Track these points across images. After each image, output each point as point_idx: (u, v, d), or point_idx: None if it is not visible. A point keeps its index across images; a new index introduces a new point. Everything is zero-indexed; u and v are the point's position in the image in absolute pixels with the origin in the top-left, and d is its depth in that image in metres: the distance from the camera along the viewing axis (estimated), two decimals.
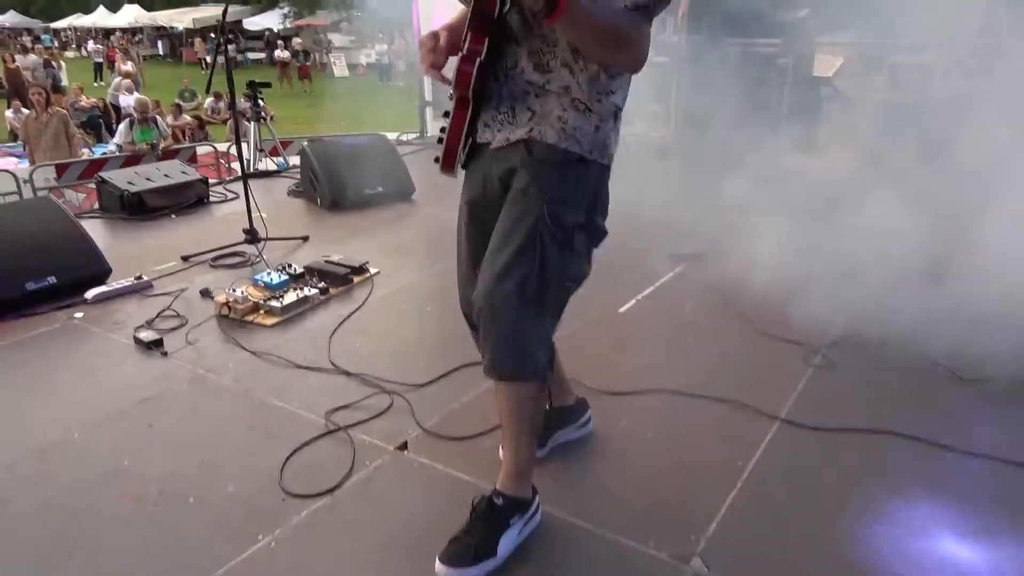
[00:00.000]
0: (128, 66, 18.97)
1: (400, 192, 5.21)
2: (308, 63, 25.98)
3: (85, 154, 9.78)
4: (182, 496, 2.03)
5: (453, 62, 1.68)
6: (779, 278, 3.35)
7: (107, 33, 35.95)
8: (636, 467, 2.18)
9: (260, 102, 6.66)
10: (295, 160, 6.16)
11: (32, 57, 20.95)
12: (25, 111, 10.28)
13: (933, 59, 5.86)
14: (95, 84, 22.73)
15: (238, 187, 5.58)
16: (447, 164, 1.76)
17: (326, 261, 3.73)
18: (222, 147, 8.92)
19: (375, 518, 1.95)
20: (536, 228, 1.63)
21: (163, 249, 4.13)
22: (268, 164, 7.05)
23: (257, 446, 2.29)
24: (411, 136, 8.38)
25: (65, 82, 17.30)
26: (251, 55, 31.96)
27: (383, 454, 2.23)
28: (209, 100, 15.90)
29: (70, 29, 38.94)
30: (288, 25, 32.59)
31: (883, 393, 2.60)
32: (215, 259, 3.97)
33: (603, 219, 1.76)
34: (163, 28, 35.95)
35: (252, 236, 3.95)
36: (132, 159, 8.36)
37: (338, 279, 3.57)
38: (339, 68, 26.61)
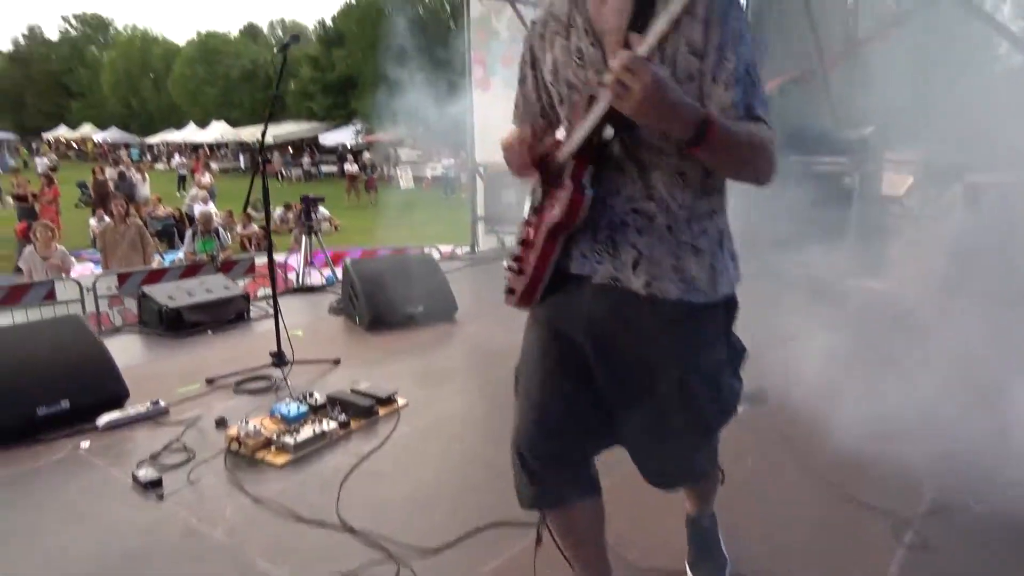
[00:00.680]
0: (206, 178, 20.06)
1: (442, 312, 5.01)
2: (375, 176, 27.08)
3: (156, 262, 10.15)
4: None
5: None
6: (855, 424, 2.91)
7: (195, 147, 38.65)
8: None
9: (313, 215, 6.70)
10: None
11: (118, 169, 22.44)
12: (107, 219, 10.81)
13: (1013, 178, 5.48)
14: (177, 194, 24.11)
15: (281, 303, 5.54)
16: (527, 298, 1.63)
17: (352, 390, 3.48)
18: (279, 258, 9.09)
19: None
20: (693, 403, 1.59)
21: (191, 369, 3.98)
22: (318, 277, 7.04)
23: None
24: (463, 250, 8.33)
25: (147, 192, 18.31)
26: (324, 168, 33.64)
27: None
28: (279, 210, 16.51)
29: (162, 144, 42.00)
30: (360, 140, 34.37)
31: None
32: (239, 383, 3.77)
33: (734, 332, 1.71)
34: (246, 143, 38.46)
35: (279, 360, 3.76)
36: (191, 269, 8.55)
37: (361, 411, 3.30)
38: (405, 181, 27.62)
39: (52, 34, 62.42)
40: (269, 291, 7.27)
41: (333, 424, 3.15)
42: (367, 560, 2.24)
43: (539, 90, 1.67)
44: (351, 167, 26.55)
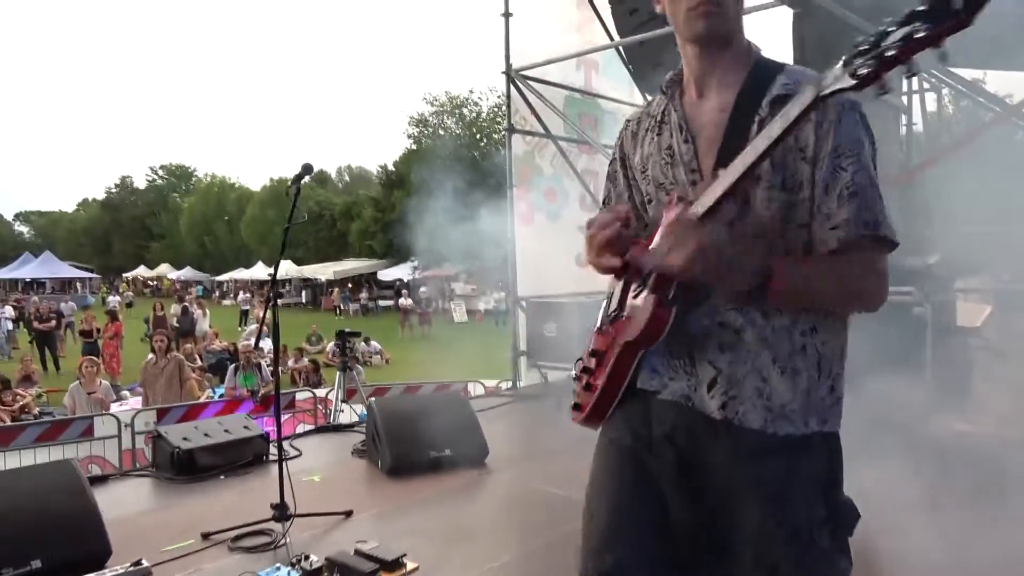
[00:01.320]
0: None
1: (471, 456, 4.59)
2: (430, 309, 27.47)
3: (205, 395, 10.10)
4: None
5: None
6: None
7: (261, 284, 40.28)
8: None
9: (348, 350, 6.53)
10: None
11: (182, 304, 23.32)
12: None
13: None
14: (238, 329, 24.77)
15: (303, 443, 5.23)
16: (595, 417, 1.47)
17: (356, 551, 3.06)
18: (321, 393, 8.90)
19: None
20: (768, 565, 1.28)
21: (191, 520, 3.63)
22: (352, 414, 6.76)
23: None
24: (506, 385, 7.97)
25: (207, 327, 18.79)
26: (382, 302, 34.44)
27: None
28: (331, 344, 16.61)
29: (231, 281, 43.98)
30: (417, 276, 35.27)
31: None
32: (236, 538, 3.40)
33: (843, 491, 1.36)
34: (308, 279, 39.91)
35: (280, 512, 3.39)
36: (230, 405, 8.41)
37: None
38: (458, 314, 27.95)
39: (140, 183, 67.80)
40: (308, 428, 7.11)
41: None
42: None
43: (630, 189, 1.57)
44: (405, 301, 27.03)
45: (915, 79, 6.72)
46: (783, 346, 1.30)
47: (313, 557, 3.00)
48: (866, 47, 1.02)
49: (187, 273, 47.93)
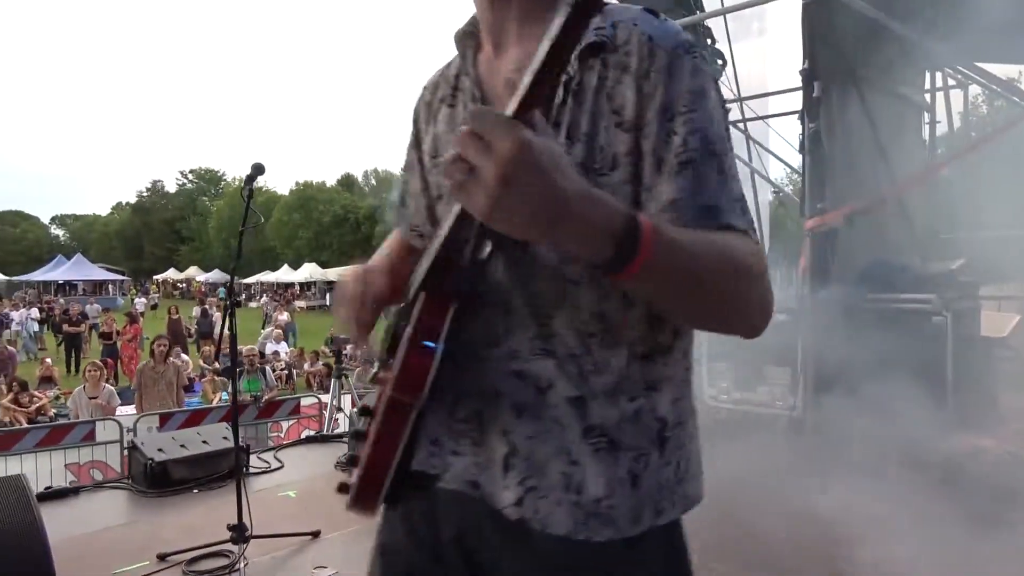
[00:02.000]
0: (284, 316, 20.57)
1: None
2: None
3: (217, 397, 10.02)
4: None
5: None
6: None
7: (286, 287, 40.58)
8: None
9: (344, 358, 6.36)
10: None
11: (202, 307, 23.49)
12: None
13: None
14: (261, 331, 24.87)
15: (288, 454, 5.06)
16: (366, 499, 0.93)
17: None
18: (326, 398, 8.77)
19: None
20: None
21: (150, 539, 3.47)
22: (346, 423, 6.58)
23: None
24: None
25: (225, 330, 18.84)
26: None
27: None
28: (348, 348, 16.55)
29: (256, 283, 44.37)
30: None
31: None
32: (192, 560, 3.22)
33: None
34: (333, 282, 40.15)
35: (238, 534, 3.20)
36: (231, 411, 8.30)
37: None
38: None
39: (171, 187, 68.96)
40: (312, 433, 6.96)
41: None
42: None
43: (425, 180, 1.13)
44: None
45: (938, 75, 6.35)
46: (606, 410, 0.92)
47: None
48: None
49: (215, 276, 48.48)
